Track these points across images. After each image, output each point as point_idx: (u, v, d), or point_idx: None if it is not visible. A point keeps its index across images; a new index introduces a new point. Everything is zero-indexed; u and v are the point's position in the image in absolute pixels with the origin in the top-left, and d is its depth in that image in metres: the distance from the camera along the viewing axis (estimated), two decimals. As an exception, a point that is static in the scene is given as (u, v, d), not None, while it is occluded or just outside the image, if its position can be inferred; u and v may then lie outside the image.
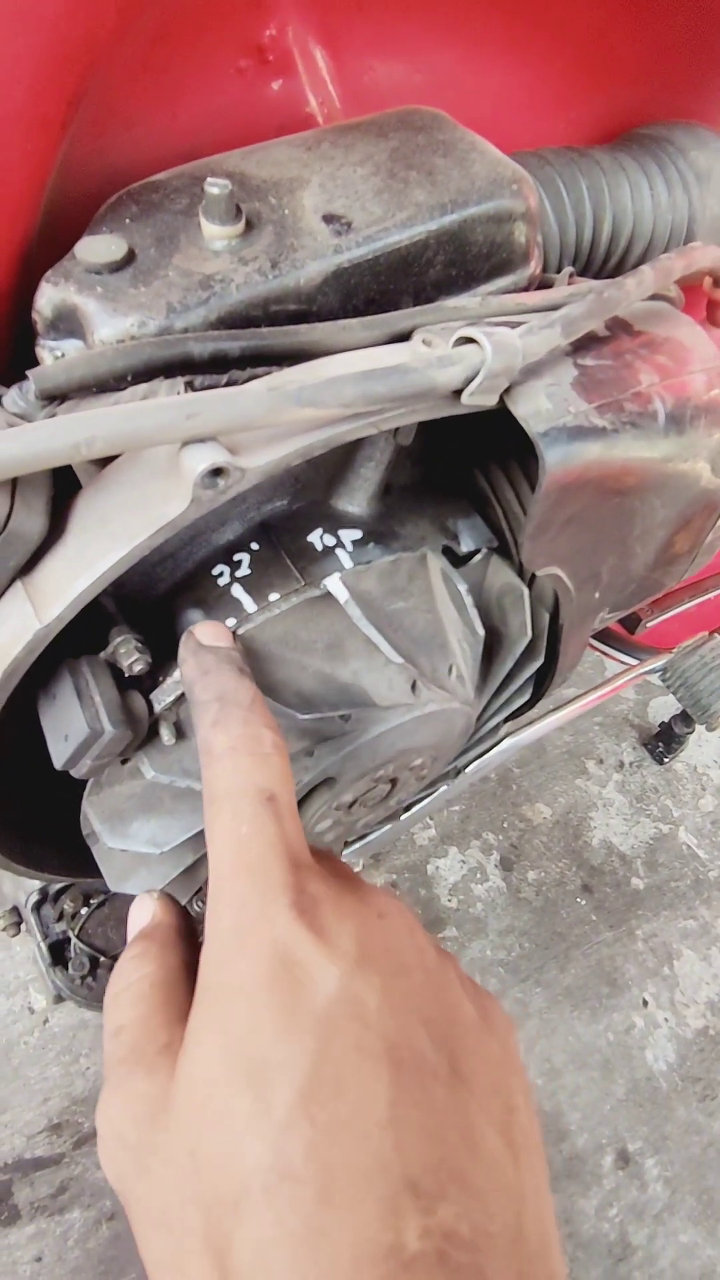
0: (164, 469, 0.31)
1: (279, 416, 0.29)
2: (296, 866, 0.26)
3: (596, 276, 0.56)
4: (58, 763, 0.35)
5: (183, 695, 0.37)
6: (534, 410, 0.34)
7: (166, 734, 0.37)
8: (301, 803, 0.46)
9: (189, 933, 0.32)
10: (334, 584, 0.38)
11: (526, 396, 0.34)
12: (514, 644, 0.47)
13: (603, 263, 0.56)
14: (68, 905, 0.59)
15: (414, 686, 0.43)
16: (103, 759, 0.35)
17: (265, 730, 0.29)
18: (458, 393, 0.32)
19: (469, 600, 0.42)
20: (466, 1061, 0.24)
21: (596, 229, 0.53)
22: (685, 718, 1.44)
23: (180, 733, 0.38)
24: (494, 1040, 0.26)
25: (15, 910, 0.64)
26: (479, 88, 0.53)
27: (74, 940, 0.58)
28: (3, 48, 0.27)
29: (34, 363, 0.37)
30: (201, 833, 0.41)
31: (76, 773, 0.36)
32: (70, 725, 0.34)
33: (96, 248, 0.33)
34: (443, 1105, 0.23)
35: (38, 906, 0.60)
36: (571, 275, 0.47)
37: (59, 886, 0.61)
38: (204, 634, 0.35)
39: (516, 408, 0.34)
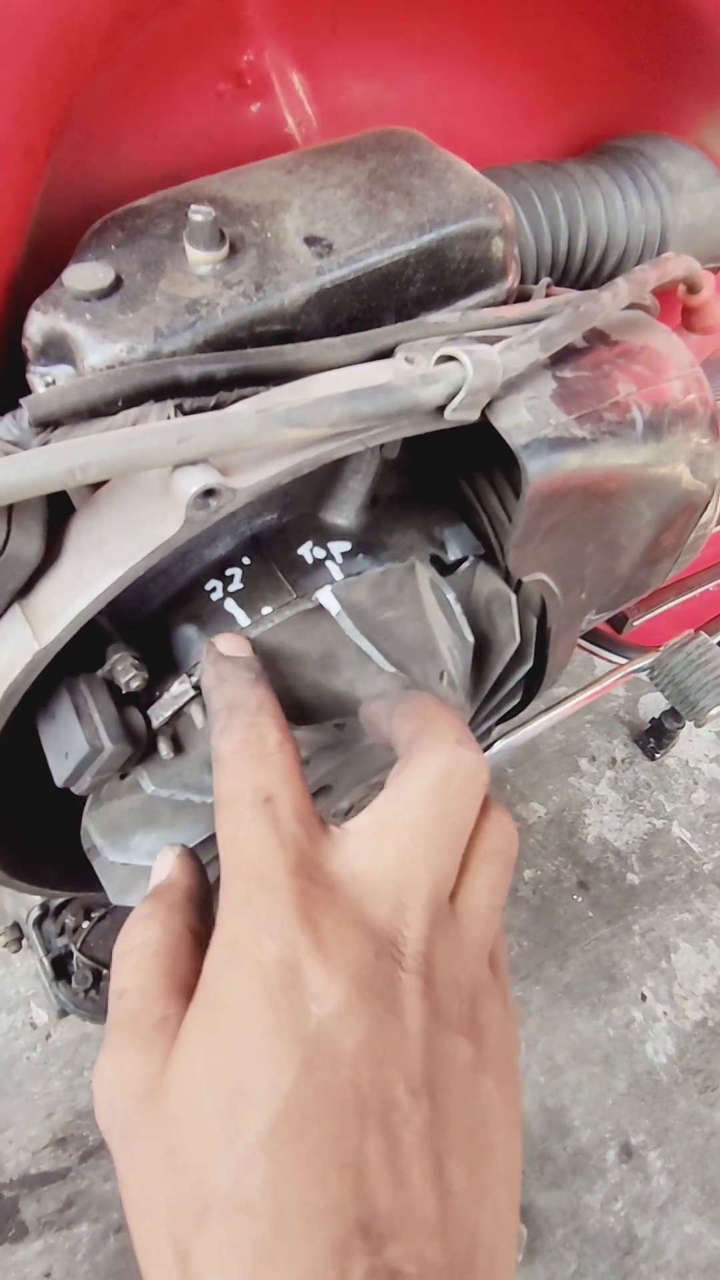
0: (156, 490, 0.31)
1: (268, 437, 0.29)
2: (298, 869, 0.25)
3: (574, 286, 0.57)
4: (59, 780, 0.35)
5: (179, 710, 0.38)
6: (515, 423, 0.35)
7: (164, 748, 0.38)
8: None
9: (202, 898, 0.32)
10: (326, 597, 0.39)
11: (507, 410, 0.35)
12: (503, 649, 0.48)
13: (579, 272, 0.57)
14: (69, 920, 0.60)
15: (406, 694, 0.44)
16: (103, 775, 0.36)
17: (270, 731, 0.29)
18: (441, 409, 0.33)
19: (458, 608, 0.43)
20: (447, 1106, 0.24)
21: (572, 240, 0.54)
22: (675, 713, 1.45)
23: (178, 746, 0.39)
24: (486, 1078, 0.26)
25: (16, 926, 0.64)
26: (453, 105, 0.54)
27: (76, 954, 0.59)
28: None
29: (23, 389, 0.38)
30: (203, 842, 0.42)
31: (77, 789, 0.36)
32: (70, 743, 0.35)
33: (84, 275, 0.33)
34: (409, 1151, 0.23)
35: (39, 922, 0.60)
36: (549, 286, 0.48)
37: (60, 901, 0.61)
38: (224, 645, 0.36)
39: (498, 421, 0.35)
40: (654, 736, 1.54)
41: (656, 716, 1.52)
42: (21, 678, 0.31)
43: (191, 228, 0.34)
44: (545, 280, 0.48)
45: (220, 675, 0.33)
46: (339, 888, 0.26)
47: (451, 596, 0.42)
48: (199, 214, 0.33)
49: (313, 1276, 0.21)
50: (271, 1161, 0.22)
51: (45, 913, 0.60)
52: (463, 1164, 0.24)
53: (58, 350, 0.34)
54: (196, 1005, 0.25)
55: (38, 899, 0.62)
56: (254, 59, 0.43)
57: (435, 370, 0.32)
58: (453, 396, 0.32)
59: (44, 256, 0.39)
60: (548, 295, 0.48)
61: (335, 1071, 0.23)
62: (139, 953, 0.28)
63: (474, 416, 0.34)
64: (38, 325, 0.33)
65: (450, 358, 0.33)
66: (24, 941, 0.65)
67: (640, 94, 0.59)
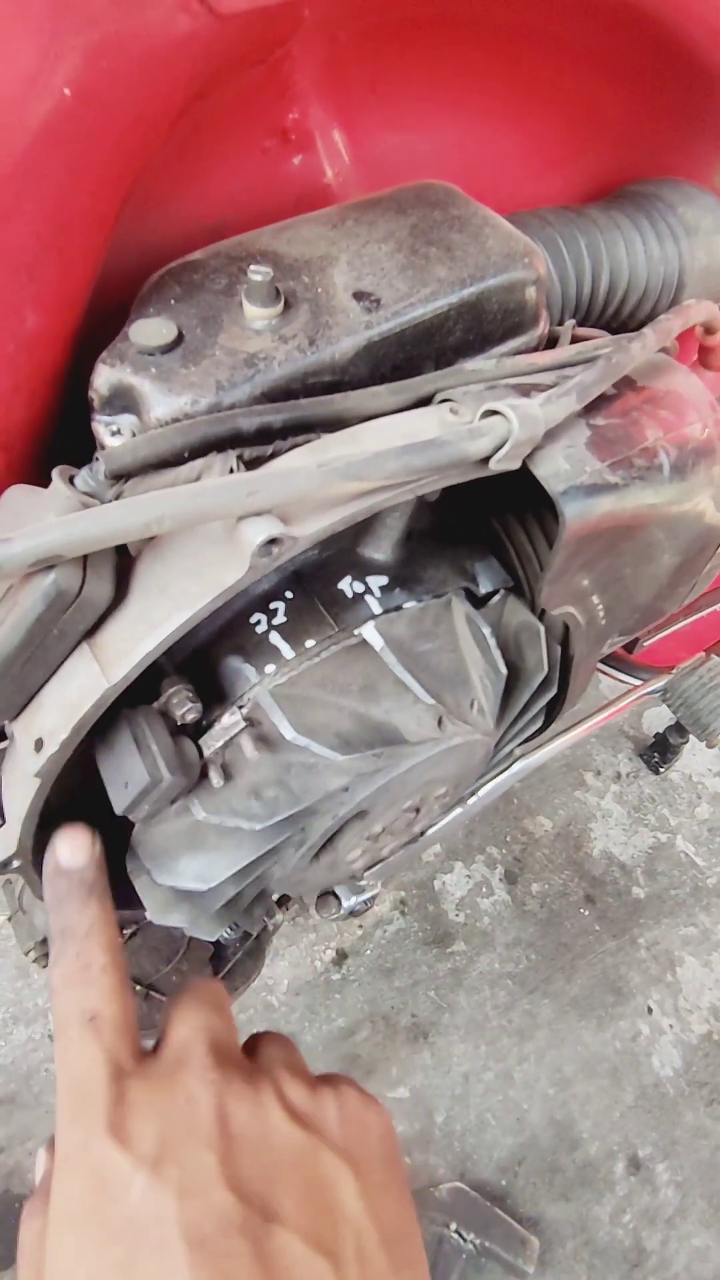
0: (219, 536, 0.33)
1: (329, 491, 0.31)
2: (117, 1077, 0.30)
3: (595, 325, 0.59)
4: (118, 809, 0.37)
5: (230, 739, 0.40)
6: (553, 471, 0.37)
7: (216, 777, 0.40)
8: (336, 835, 0.48)
9: None
10: (369, 632, 0.41)
11: (546, 459, 0.37)
12: (531, 677, 0.50)
13: (601, 312, 0.59)
14: (101, 936, 0.61)
15: (440, 722, 0.45)
16: (159, 804, 0.37)
17: (97, 955, 0.33)
18: (486, 459, 0.35)
19: (493, 642, 0.45)
20: (285, 1198, 0.29)
21: (595, 283, 0.56)
22: (679, 728, 1.47)
23: (228, 774, 0.41)
24: (322, 1155, 0.30)
25: (45, 941, 0.66)
26: (480, 153, 0.57)
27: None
28: (73, 158, 0.30)
29: (79, 434, 0.40)
30: (246, 867, 0.43)
31: (134, 817, 0.38)
32: (130, 774, 0.36)
33: (148, 331, 0.35)
34: (249, 1260, 0.26)
35: (72, 938, 0.61)
36: (573, 328, 0.50)
37: (92, 918, 0.62)
38: (64, 852, 0.37)
39: (537, 469, 0.37)
40: (658, 751, 1.56)
41: (660, 731, 1.54)
42: (90, 713, 0.33)
43: (250, 286, 0.36)
44: (570, 322, 0.50)
45: (57, 895, 0.36)
46: (148, 1072, 0.31)
47: (487, 631, 0.44)
48: (258, 274, 0.35)
49: None
50: None
51: (78, 929, 0.61)
52: (313, 1248, 0.27)
53: (122, 401, 0.36)
54: (47, 1228, 0.29)
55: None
56: (299, 117, 0.45)
57: (482, 424, 0.34)
58: (498, 448, 0.34)
59: (98, 304, 0.41)
60: (574, 338, 0.50)
61: (163, 1221, 0.26)
62: (28, 1250, 0.31)
63: (516, 465, 0.36)
64: (105, 378, 0.35)
65: (495, 412, 0.35)
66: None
67: (657, 141, 0.62)
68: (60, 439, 0.39)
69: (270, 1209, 0.28)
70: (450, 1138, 1.10)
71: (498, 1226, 0.98)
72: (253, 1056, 0.35)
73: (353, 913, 0.74)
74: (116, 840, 0.46)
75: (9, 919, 0.69)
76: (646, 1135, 1.15)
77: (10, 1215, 0.92)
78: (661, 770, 1.57)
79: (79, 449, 0.42)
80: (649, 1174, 1.12)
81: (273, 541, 0.31)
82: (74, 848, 0.37)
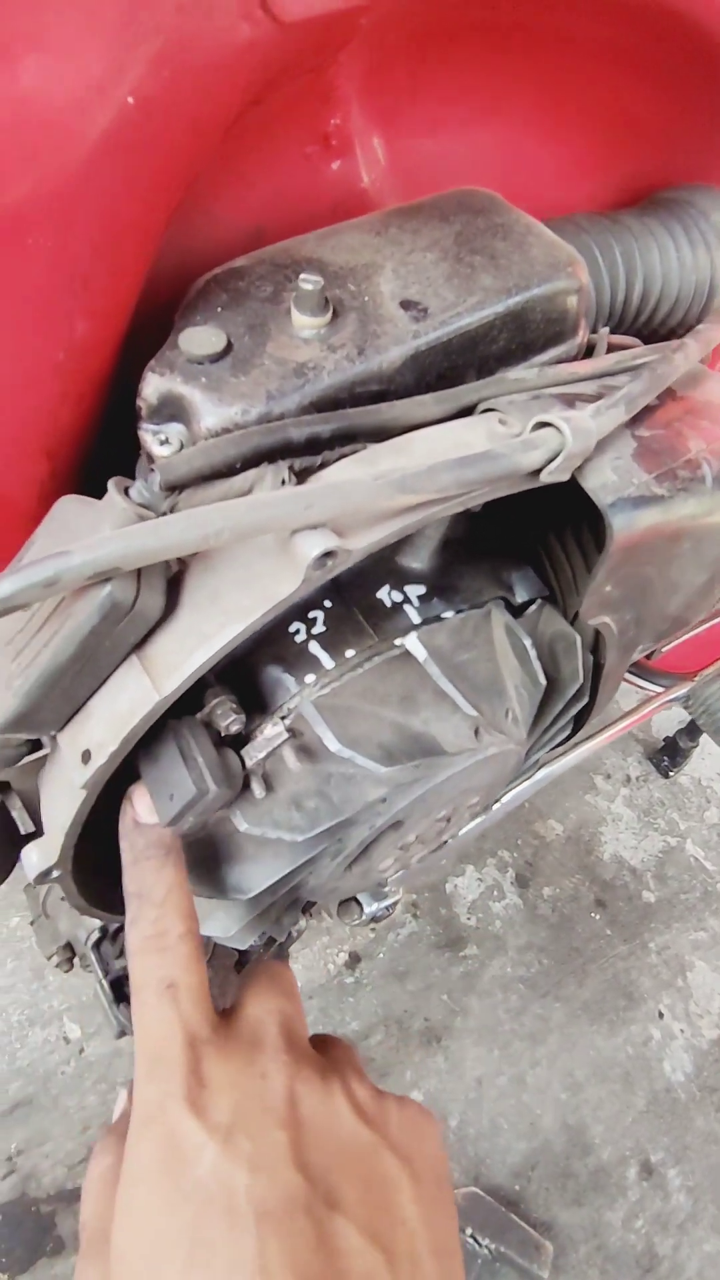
0: (271, 548, 0.33)
1: (384, 504, 0.31)
2: (193, 1044, 0.31)
3: (628, 333, 0.59)
4: (163, 821, 0.37)
5: (273, 750, 0.40)
6: (601, 483, 0.37)
7: (258, 788, 0.39)
8: (370, 846, 0.48)
9: None
10: (413, 643, 0.40)
11: (595, 471, 0.37)
12: (565, 688, 0.50)
13: (633, 320, 0.59)
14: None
15: (476, 732, 0.45)
16: (204, 816, 0.37)
17: (174, 923, 0.34)
18: (536, 471, 0.35)
19: (533, 653, 0.44)
20: (346, 1188, 0.29)
21: (629, 290, 0.56)
22: (689, 732, 1.47)
23: (269, 785, 0.40)
24: (383, 1156, 0.31)
25: (69, 946, 0.66)
26: (514, 159, 0.56)
27: (135, 976, 0.60)
28: (131, 166, 0.30)
29: (123, 440, 0.40)
30: (283, 878, 0.43)
31: (178, 829, 0.38)
32: (176, 785, 0.36)
33: (199, 339, 0.35)
34: (312, 1241, 0.27)
35: (98, 944, 0.61)
36: (608, 335, 0.50)
37: (118, 924, 0.62)
38: (142, 808, 0.37)
39: (586, 481, 0.37)
40: (668, 754, 1.56)
41: (670, 735, 1.54)
42: (140, 725, 0.33)
43: (300, 294, 0.36)
44: (605, 330, 0.50)
45: (134, 853, 0.36)
46: (224, 1047, 0.32)
47: (528, 642, 0.44)
48: (309, 283, 0.35)
49: None
50: None
51: (104, 935, 0.61)
52: (371, 1242, 0.28)
53: (171, 410, 0.36)
54: (119, 1189, 0.29)
55: (95, 921, 0.63)
56: (340, 123, 0.45)
57: (534, 436, 0.34)
58: (550, 460, 0.34)
59: (141, 309, 0.41)
60: (609, 346, 0.50)
61: (234, 1191, 0.27)
62: (95, 1185, 0.32)
63: (565, 478, 0.36)
64: (154, 386, 0.35)
65: (546, 424, 0.35)
66: (74, 961, 0.67)
67: (691, 147, 0.61)
68: (113, 450, 0.38)
69: (333, 1196, 0.28)
70: (464, 1142, 1.10)
71: (512, 1232, 0.98)
72: (319, 1052, 0.35)
73: (374, 919, 0.74)
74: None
75: (31, 923, 0.69)
76: (658, 1140, 1.15)
77: (28, 1218, 0.92)
78: (671, 774, 1.57)
79: (119, 454, 0.42)
80: (661, 1179, 1.12)
81: (327, 555, 0.31)
82: (149, 805, 0.37)
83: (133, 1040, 0.60)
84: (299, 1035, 0.34)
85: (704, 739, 1.49)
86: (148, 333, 0.39)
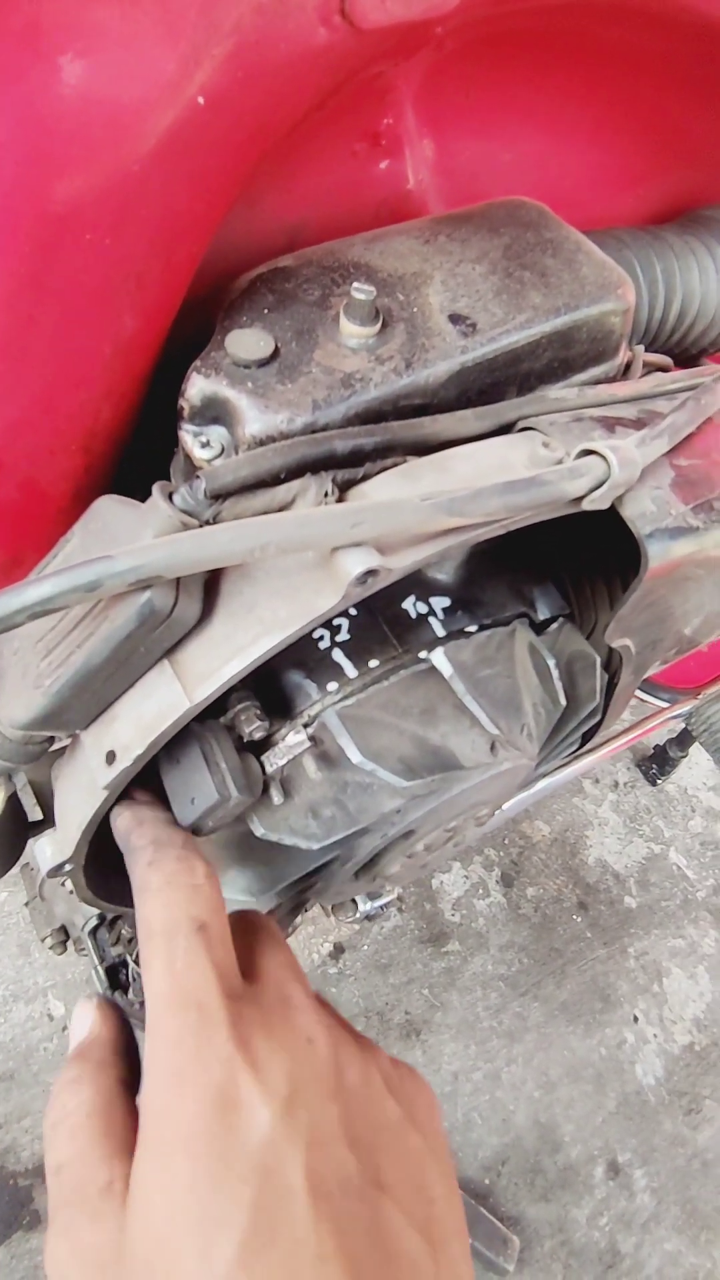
0: (311, 562, 0.33)
1: (430, 525, 0.31)
2: (231, 996, 0.27)
3: (660, 351, 0.59)
4: (183, 823, 0.37)
5: (294, 757, 0.40)
6: (640, 512, 0.37)
7: (277, 795, 0.39)
8: (380, 854, 0.48)
9: (126, 1044, 0.33)
10: (439, 659, 0.40)
11: (634, 500, 0.37)
12: (581, 706, 0.50)
13: (667, 338, 0.58)
14: (125, 930, 0.61)
15: (493, 747, 0.45)
16: (224, 820, 0.37)
17: (198, 863, 0.31)
18: (578, 498, 0.35)
19: (556, 673, 0.44)
20: (389, 1168, 0.27)
21: (666, 309, 0.56)
22: (679, 741, 1.48)
23: (287, 792, 0.40)
24: (415, 1134, 0.29)
25: (64, 929, 0.66)
26: (560, 167, 0.56)
27: (131, 964, 0.60)
28: (195, 166, 0.29)
29: (158, 438, 0.39)
30: (293, 883, 0.43)
31: (198, 833, 0.38)
32: (197, 790, 0.36)
33: (246, 343, 0.35)
34: (364, 1227, 0.25)
35: (94, 931, 0.61)
36: (642, 353, 0.49)
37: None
38: (141, 794, 0.37)
39: (625, 510, 0.37)
40: (656, 762, 1.57)
41: (660, 744, 1.55)
42: (168, 731, 0.33)
43: (351, 303, 0.35)
44: (640, 348, 0.50)
45: (138, 818, 0.35)
46: (262, 1004, 0.29)
47: (552, 662, 0.44)
48: (361, 293, 0.35)
49: None
50: (249, 1275, 0.23)
51: (101, 922, 0.61)
52: (412, 1226, 0.26)
53: (214, 412, 0.35)
54: (143, 1146, 0.26)
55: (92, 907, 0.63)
56: (392, 123, 0.44)
57: (580, 464, 0.34)
58: (594, 489, 0.34)
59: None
60: (644, 365, 0.49)
61: (293, 1168, 0.25)
62: (72, 1120, 0.28)
63: (606, 505, 0.36)
64: (198, 388, 0.34)
65: (593, 452, 0.35)
66: (68, 944, 0.67)
67: (735, 166, 0.61)
68: (148, 446, 0.38)
69: (380, 1177, 0.27)
70: (436, 1134, 1.11)
71: (480, 1224, 1.00)
72: None
73: (368, 917, 0.74)
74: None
75: (26, 904, 0.69)
76: (626, 1141, 1.17)
77: (4, 1191, 0.92)
78: (659, 782, 1.58)
79: (149, 450, 0.42)
80: (627, 1179, 1.14)
81: (369, 573, 0.31)
82: (144, 798, 0.36)
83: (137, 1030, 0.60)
84: (318, 997, 0.32)
85: (693, 749, 1.50)
86: (180, 325, 0.38)
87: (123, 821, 0.35)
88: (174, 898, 0.29)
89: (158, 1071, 0.26)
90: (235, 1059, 0.26)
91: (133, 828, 0.34)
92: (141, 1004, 0.61)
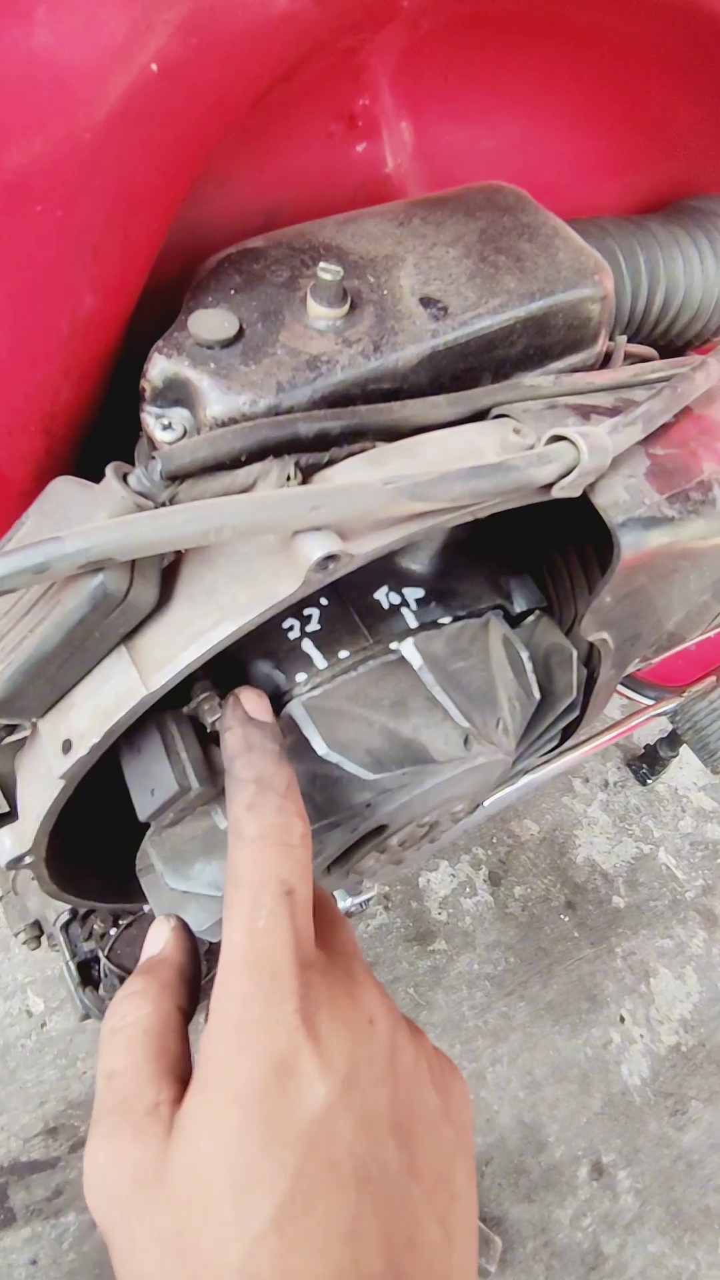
0: (272, 547, 0.32)
1: (392, 510, 0.30)
2: (304, 966, 0.28)
3: (644, 342, 0.58)
4: (142, 815, 0.36)
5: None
6: (613, 501, 0.36)
7: (241, 787, 0.39)
8: (352, 848, 0.47)
9: (193, 975, 0.33)
10: (409, 650, 0.40)
11: (606, 488, 0.36)
12: (558, 701, 0.49)
13: (650, 329, 0.58)
14: (97, 925, 0.60)
15: (466, 741, 0.45)
16: (185, 812, 0.36)
17: (296, 820, 0.30)
18: (548, 485, 0.34)
19: (529, 666, 0.44)
20: (421, 1156, 0.27)
21: (649, 299, 0.55)
22: (669, 741, 1.48)
23: (252, 784, 0.39)
24: (449, 1126, 0.29)
25: (37, 924, 0.65)
26: (542, 154, 0.55)
27: (103, 960, 0.59)
28: (151, 136, 0.28)
29: (120, 420, 0.38)
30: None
31: (157, 824, 0.37)
32: (157, 780, 0.35)
33: (210, 323, 0.34)
34: (395, 1211, 0.26)
35: (66, 926, 0.61)
36: (626, 344, 0.49)
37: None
38: (250, 704, 0.34)
39: (597, 498, 0.36)
40: (646, 762, 1.57)
41: (651, 743, 1.55)
42: (125, 719, 0.32)
43: (318, 284, 0.34)
44: (622, 339, 0.49)
45: (248, 741, 0.32)
46: (331, 976, 0.29)
47: (525, 655, 0.43)
48: (328, 272, 0.34)
49: None
50: (280, 1237, 0.24)
51: (73, 917, 0.61)
52: (434, 1217, 0.27)
53: (176, 394, 0.34)
54: (198, 1089, 0.26)
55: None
56: (369, 104, 0.43)
57: (549, 450, 0.33)
58: (563, 475, 0.33)
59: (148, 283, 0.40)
60: (626, 355, 0.49)
61: (340, 1146, 0.25)
62: (129, 1031, 0.28)
63: (577, 493, 0.35)
64: (160, 369, 0.34)
65: (562, 438, 0.34)
66: (42, 939, 0.66)
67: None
68: (111, 428, 0.37)
69: (415, 1165, 0.27)
70: (419, 1134, 1.11)
71: (462, 1224, 0.99)
72: None
73: (348, 914, 0.73)
74: (124, 835, 0.45)
75: None
76: (611, 1142, 1.16)
77: (-19, 1189, 0.91)
78: (649, 782, 1.58)
79: (115, 434, 0.41)
80: (611, 1180, 1.13)
81: (330, 558, 0.30)
82: (260, 705, 0.35)
83: (98, 1020, 0.59)
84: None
85: (683, 749, 1.49)
86: (149, 309, 0.37)
87: (232, 740, 0.33)
88: (266, 855, 0.29)
89: (224, 1023, 0.26)
90: (299, 1031, 0.26)
91: (239, 753, 0.32)
92: (111, 999, 0.60)
